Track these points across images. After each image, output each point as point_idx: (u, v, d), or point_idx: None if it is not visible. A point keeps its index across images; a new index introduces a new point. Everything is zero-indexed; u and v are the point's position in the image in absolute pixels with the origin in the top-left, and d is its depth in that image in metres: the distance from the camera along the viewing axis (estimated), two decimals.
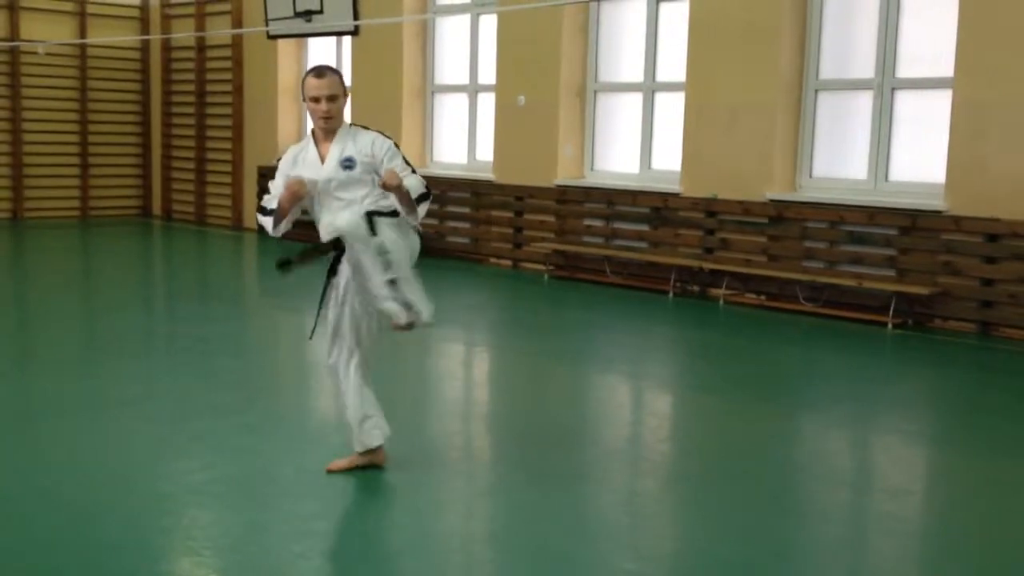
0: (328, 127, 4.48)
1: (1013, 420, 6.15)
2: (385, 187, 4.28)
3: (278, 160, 4.65)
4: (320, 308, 4.60)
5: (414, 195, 4.36)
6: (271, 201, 4.52)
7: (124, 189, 16.38)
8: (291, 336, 8.61)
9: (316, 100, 4.43)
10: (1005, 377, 7.32)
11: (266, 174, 14.53)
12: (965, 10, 8.37)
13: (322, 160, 4.49)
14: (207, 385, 6.43)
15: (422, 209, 4.41)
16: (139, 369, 6.90)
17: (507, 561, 4.01)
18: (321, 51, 14.38)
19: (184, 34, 15.31)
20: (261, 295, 11.02)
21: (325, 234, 4.44)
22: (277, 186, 4.52)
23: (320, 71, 4.48)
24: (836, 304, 9.00)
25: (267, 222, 4.52)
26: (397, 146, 4.56)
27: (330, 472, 4.72)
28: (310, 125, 4.68)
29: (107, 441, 5.24)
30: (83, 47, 15.39)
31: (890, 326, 8.50)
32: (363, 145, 4.48)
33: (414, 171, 4.51)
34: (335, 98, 4.45)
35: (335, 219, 4.36)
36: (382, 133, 4.58)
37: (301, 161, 4.54)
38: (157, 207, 16.48)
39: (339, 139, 4.49)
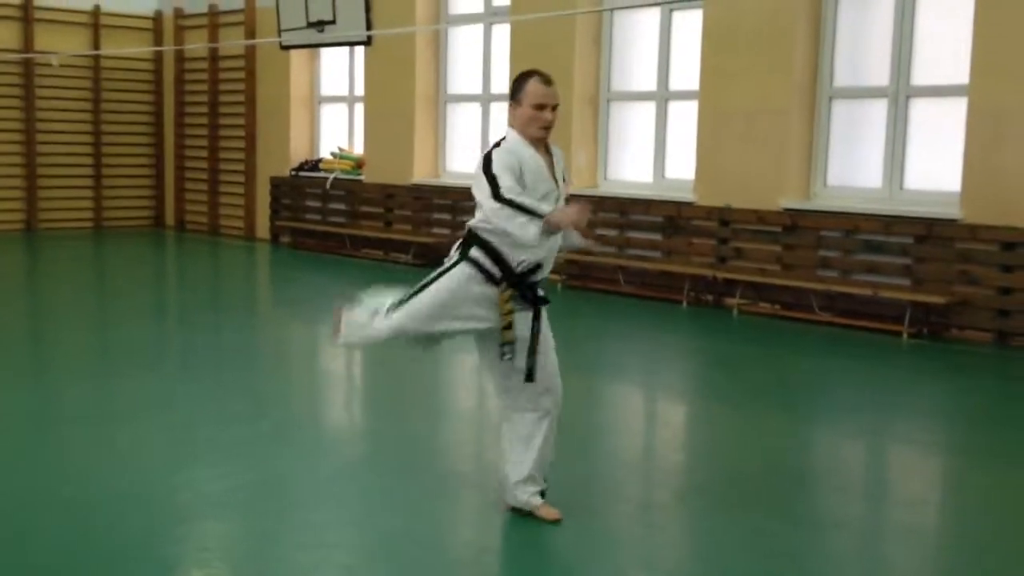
0: (546, 137, 4.32)
1: None
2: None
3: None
4: (533, 350, 4.29)
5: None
6: (530, 201, 4.07)
7: (137, 200, 16.43)
8: (305, 346, 8.61)
9: (542, 107, 4.23)
10: (1022, 386, 7.25)
11: (279, 184, 14.57)
12: (981, 17, 8.32)
13: (552, 171, 4.28)
14: (221, 394, 6.42)
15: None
16: (154, 378, 6.90)
17: (518, 571, 3.98)
18: (334, 61, 14.41)
19: (197, 45, 15.36)
20: (275, 305, 11.03)
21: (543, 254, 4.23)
22: (516, 188, 4.12)
23: (547, 79, 4.28)
24: (851, 313, 8.94)
25: (526, 221, 4.03)
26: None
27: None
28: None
29: (122, 450, 5.23)
30: (97, 58, 15.45)
31: (906, 336, 8.44)
32: (561, 161, 4.38)
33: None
34: (556, 108, 4.32)
35: None
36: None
37: (526, 170, 4.20)
38: (170, 217, 16.52)
39: (550, 151, 4.36)
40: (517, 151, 4.23)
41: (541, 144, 4.31)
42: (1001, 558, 4.19)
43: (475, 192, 4.21)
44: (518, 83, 4.31)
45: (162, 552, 4.01)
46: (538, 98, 4.24)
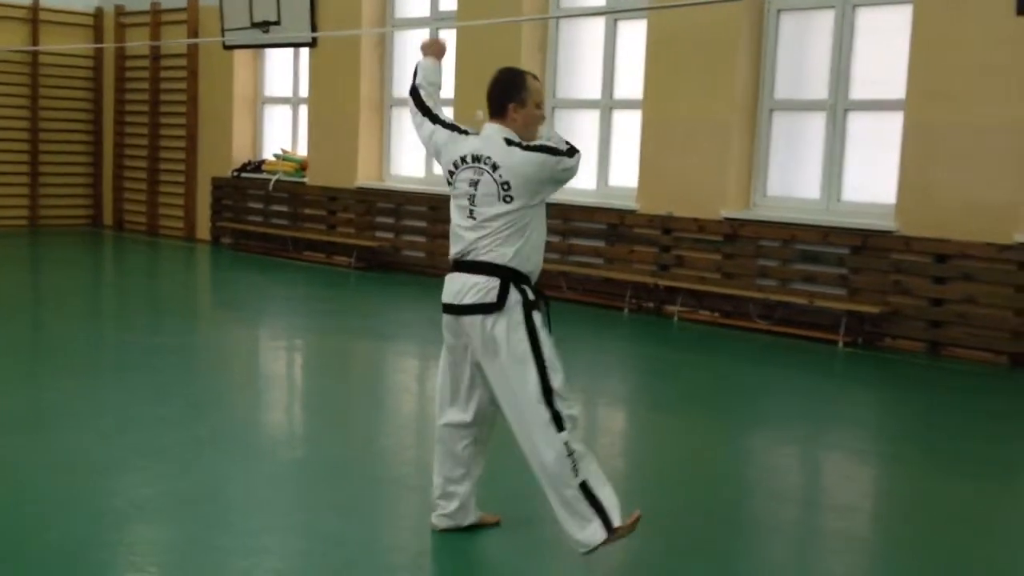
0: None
1: (960, 438, 6.22)
2: None
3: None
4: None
5: None
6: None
7: (75, 198, 16.15)
8: (242, 349, 8.53)
9: (540, 105, 4.02)
10: (953, 396, 7.40)
11: (221, 185, 14.40)
12: (917, 34, 8.50)
13: None
14: (155, 398, 6.33)
15: None
16: (86, 382, 6.78)
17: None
18: (278, 62, 14.30)
19: (139, 43, 15.14)
20: (213, 308, 10.90)
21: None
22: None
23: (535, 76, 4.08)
24: (788, 322, 9.07)
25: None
26: None
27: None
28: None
29: (51, 455, 5.13)
30: (35, 54, 15.17)
31: (841, 344, 8.58)
32: None
33: None
34: None
35: None
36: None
37: None
38: (108, 217, 16.26)
39: None
40: None
41: None
42: (930, 562, 4.28)
43: (540, 172, 3.92)
44: (517, 82, 4.01)
45: (92, 558, 3.94)
46: (541, 95, 4.04)
